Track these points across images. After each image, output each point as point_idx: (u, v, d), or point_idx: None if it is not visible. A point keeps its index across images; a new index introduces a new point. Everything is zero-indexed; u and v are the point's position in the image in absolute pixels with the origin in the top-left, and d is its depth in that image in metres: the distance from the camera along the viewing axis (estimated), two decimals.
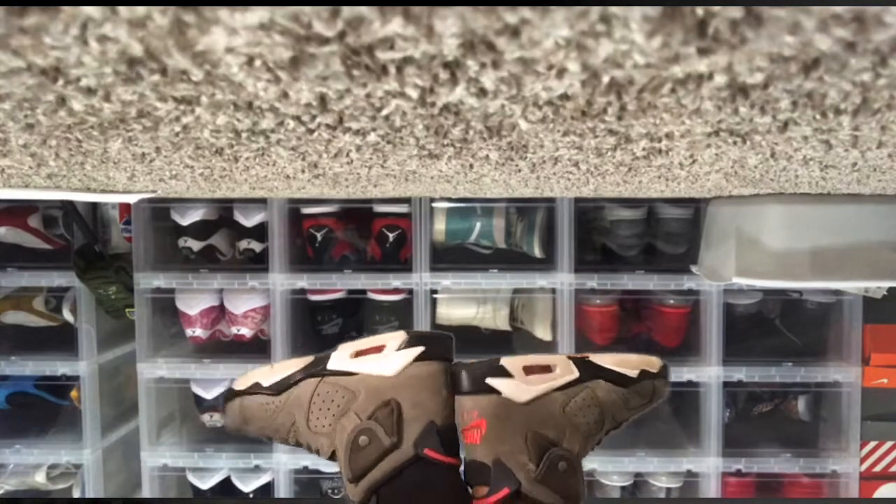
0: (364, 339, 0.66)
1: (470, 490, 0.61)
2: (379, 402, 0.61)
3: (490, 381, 0.62)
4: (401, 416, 0.60)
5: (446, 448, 0.60)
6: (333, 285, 1.61)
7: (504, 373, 0.62)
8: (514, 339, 1.76)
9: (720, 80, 0.27)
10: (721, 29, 0.22)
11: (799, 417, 1.72)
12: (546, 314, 1.63)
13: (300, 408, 0.63)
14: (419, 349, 0.63)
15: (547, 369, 0.63)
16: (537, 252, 1.61)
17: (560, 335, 1.57)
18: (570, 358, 0.65)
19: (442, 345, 0.65)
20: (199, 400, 1.72)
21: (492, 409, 0.61)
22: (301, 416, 0.63)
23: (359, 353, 0.65)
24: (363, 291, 1.65)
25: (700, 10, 0.21)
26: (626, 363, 0.65)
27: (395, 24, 0.21)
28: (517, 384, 0.62)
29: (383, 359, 0.63)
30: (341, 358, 0.65)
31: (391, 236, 1.62)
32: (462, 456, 0.63)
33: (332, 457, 0.63)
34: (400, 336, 0.65)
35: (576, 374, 0.63)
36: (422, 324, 1.58)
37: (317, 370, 0.65)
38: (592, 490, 1.71)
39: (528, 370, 0.63)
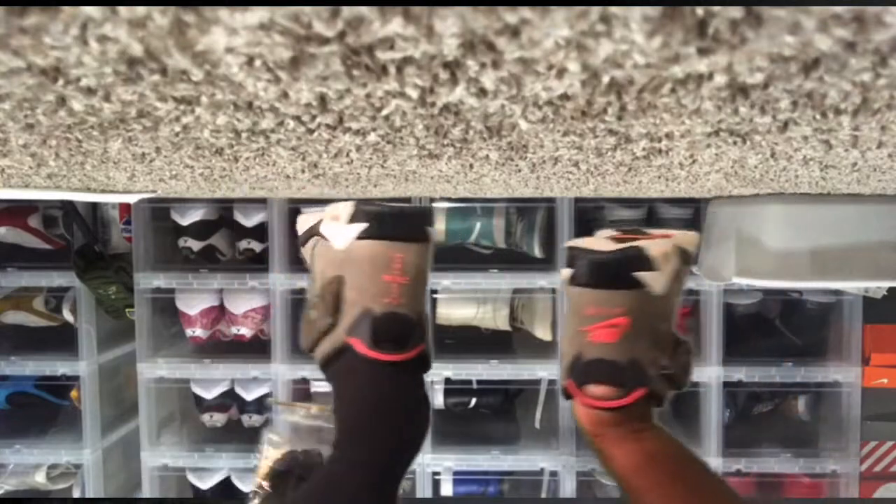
0: (332, 206, 0.59)
1: (579, 387, 0.56)
2: (330, 277, 0.56)
3: (638, 275, 0.55)
4: (339, 296, 0.55)
5: (380, 341, 0.54)
6: None
7: (651, 265, 0.56)
8: (515, 339, 1.76)
9: (720, 80, 0.27)
10: (721, 29, 0.22)
11: (799, 417, 1.72)
12: (546, 314, 1.63)
13: (310, 263, 0.60)
14: (362, 226, 0.56)
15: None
16: (537, 252, 1.61)
17: (560, 335, 1.57)
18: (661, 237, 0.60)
19: (395, 222, 0.56)
20: (199, 400, 1.72)
21: (638, 305, 0.55)
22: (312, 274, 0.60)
23: (332, 218, 0.58)
24: None
25: (700, 10, 0.21)
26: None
27: (395, 24, 0.21)
28: (659, 275, 0.56)
29: (338, 229, 0.57)
30: (326, 219, 0.59)
31: None
32: (421, 348, 0.56)
33: None
34: (349, 207, 0.57)
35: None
36: None
37: (316, 228, 0.59)
38: (592, 490, 1.71)
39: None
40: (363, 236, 0.55)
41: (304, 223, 0.63)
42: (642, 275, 0.55)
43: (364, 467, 0.52)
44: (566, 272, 0.59)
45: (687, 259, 0.60)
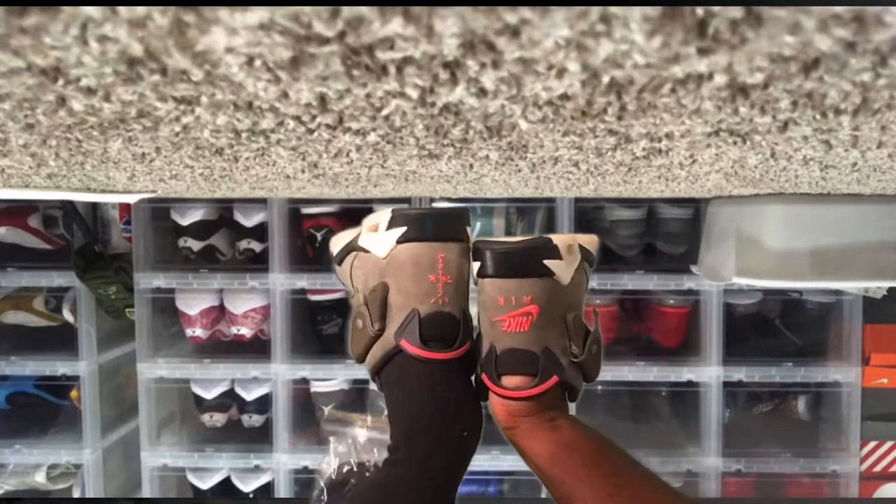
0: (368, 217, 0.61)
1: (495, 379, 0.56)
2: (374, 285, 0.58)
3: (548, 263, 0.56)
4: (385, 301, 0.57)
5: (428, 340, 0.55)
6: (333, 285, 1.60)
7: (557, 254, 0.57)
8: None
9: (720, 80, 0.27)
10: (721, 29, 0.22)
11: (799, 417, 1.72)
12: None
13: (347, 280, 0.62)
14: (401, 230, 0.57)
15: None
16: None
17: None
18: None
19: (434, 223, 0.58)
20: (199, 400, 1.72)
21: (546, 295, 0.56)
22: (351, 290, 0.62)
23: (370, 229, 0.60)
24: None
25: (700, 10, 0.21)
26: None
27: (395, 24, 0.21)
28: (565, 265, 0.57)
29: (378, 238, 0.59)
30: (363, 232, 0.61)
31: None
32: (468, 346, 0.58)
33: None
34: (386, 214, 0.59)
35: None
36: None
37: (353, 243, 0.62)
38: None
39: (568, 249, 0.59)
40: (403, 239, 0.57)
41: (338, 242, 0.64)
42: (549, 263, 0.57)
43: (422, 465, 0.52)
44: (475, 265, 0.60)
45: (589, 258, 0.62)
